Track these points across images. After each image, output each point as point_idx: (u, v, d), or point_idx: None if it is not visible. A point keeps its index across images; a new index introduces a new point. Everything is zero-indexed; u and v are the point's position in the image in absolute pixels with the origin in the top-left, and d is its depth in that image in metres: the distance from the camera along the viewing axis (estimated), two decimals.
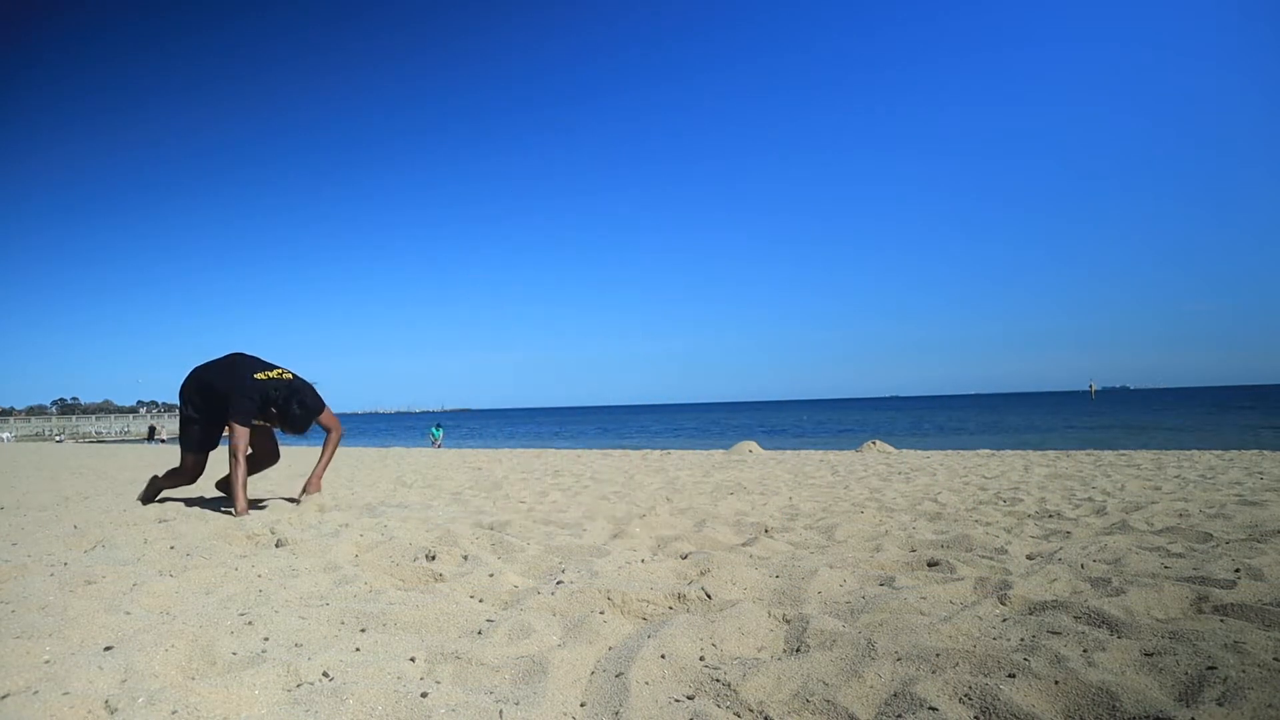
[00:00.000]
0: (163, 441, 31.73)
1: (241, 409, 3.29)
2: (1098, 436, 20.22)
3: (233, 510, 3.28)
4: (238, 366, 3.42)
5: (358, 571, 2.21)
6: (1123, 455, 8.16)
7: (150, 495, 3.78)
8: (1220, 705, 1.21)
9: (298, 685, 1.32)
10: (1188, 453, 8.58)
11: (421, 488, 5.10)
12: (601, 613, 1.78)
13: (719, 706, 1.29)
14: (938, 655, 1.45)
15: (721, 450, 11.32)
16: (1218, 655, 1.39)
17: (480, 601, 1.92)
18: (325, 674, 1.36)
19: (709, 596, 1.90)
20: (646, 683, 1.36)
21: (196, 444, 3.51)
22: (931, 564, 2.32)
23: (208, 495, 4.14)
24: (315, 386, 3.52)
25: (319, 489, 3.72)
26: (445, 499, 4.30)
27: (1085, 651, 1.47)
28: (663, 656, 1.47)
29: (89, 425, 55.21)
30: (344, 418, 3.72)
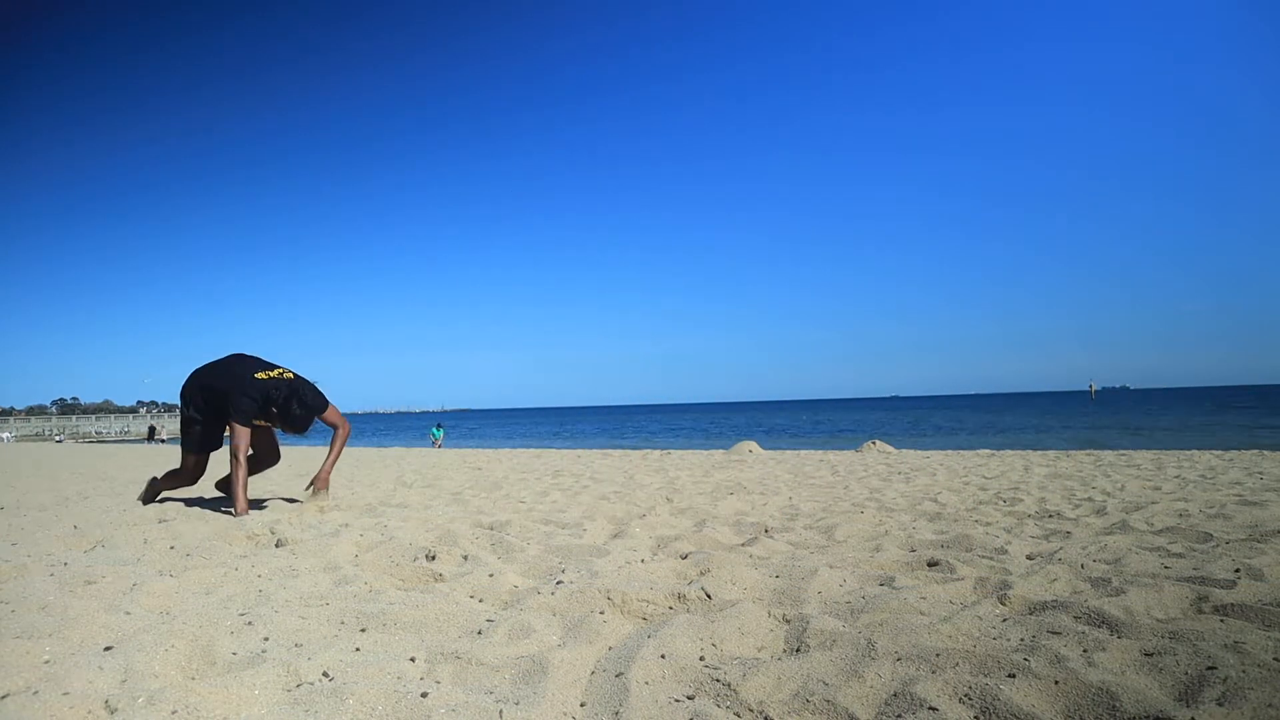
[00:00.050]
0: (163, 441, 31.73)
1: (242, 409, 3.29)
2: (1098, 436, 20.22)
3: (233, 510, 3.28)
4: (238, 366, 3.42)
5: (358, 571, 2.21)
6: (1123, 455, 8.16)
7: (150, 496, 3.78)
8: (1220, 705, 1.21)
9: (298, 685, 1.32)
10: (1188, 453, 8.58)
11: (421, 488, 5.10)
12: (601, 613, 1.78)
13: (719, 706, 1.29)
14: (938, 655, 1.46)
15: (721, 450, 11.32)
16: (1218, 655, 1.39)
17: (480, 601, 1.92)
18: (325, 674, 1.36)
19: (709, 596, 1.90)
20: (646, 683, 1.36)
21: (197, 444, 3.51)
22: (931, 564, 2.32)
23: (208, 495, 4.15)
24: (317, 386, 3.53)
25: (326, 486, 3.71)
26: (445, 499, 4.30)
27: (1085, 651, 1.47)
28: (663, 656, 1.47)
29: (89, 425, 55.21)
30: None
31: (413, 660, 1.46)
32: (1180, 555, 2.40)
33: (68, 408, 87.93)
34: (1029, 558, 2.45)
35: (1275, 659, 1.39)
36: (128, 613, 1.71)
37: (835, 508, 3.85)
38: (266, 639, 1.55)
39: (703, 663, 1.47)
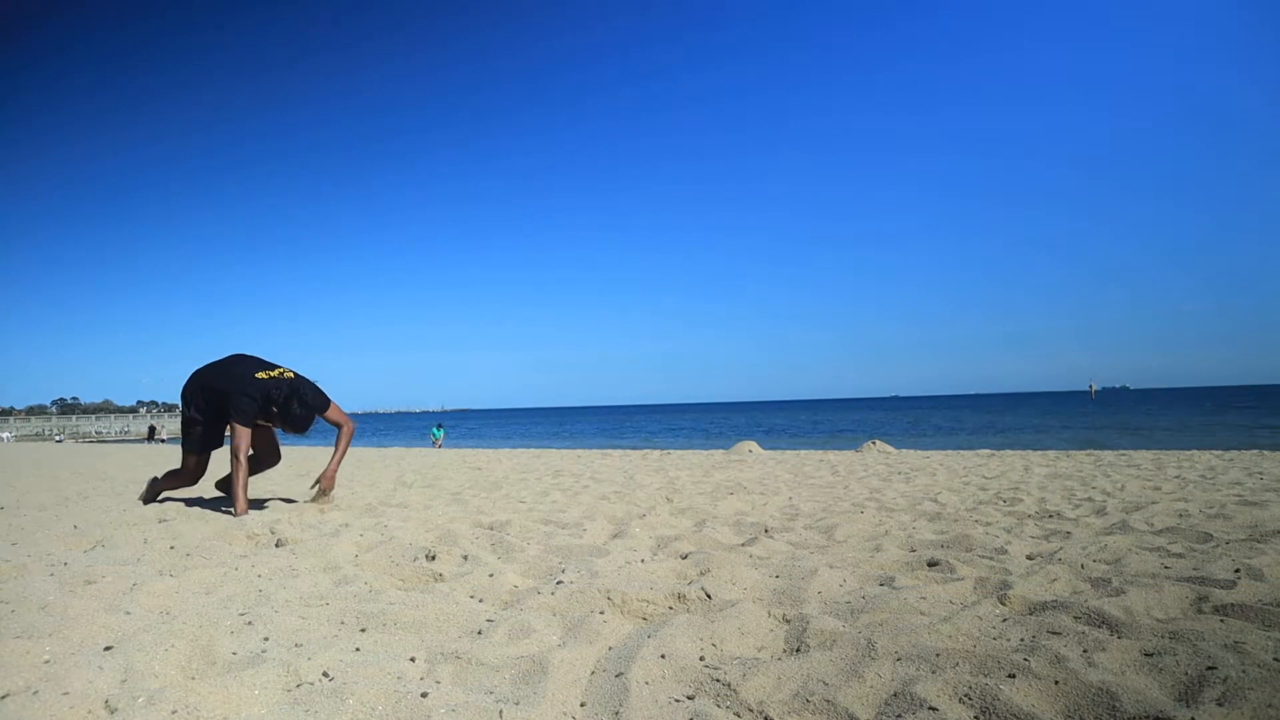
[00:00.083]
0: (163, 441, 31.73)
1: (243, 409, 3.29)
2: (1098, 436, 20.22)
3: (233, 510, 3.28)
4: (239, 366, 3.42)
5: (358, 571, 2.21)
6: (1123, 455, 8.16)
7: (151, 495, 3.78)
8: (1220, 705, 1.21)
9: (298, 685, 1.32)
10: (1188, 453, 8.58)
11: (421, 488, 5.10)
12: (601, 613, 1.78)
13: (719, 706, 1.29)
14: (938, 655, 1.46)
15: (721, 450, 11.32)
16: (1218, 655, 1.39)
17: (480, 601, 1.92)
18: (325, 674, 1.36)
19: (709, 596, 1.90)
20: (646, 683, 1.36)
21: (198, 445, 3.51)
22: (931, 564, 2.32)
23: (208, 495, 4.14)
24: (318, 385, 3.52)
25: (333, 485, 3.69)
26: (445, 499, 4.30)
27: (1085, 651, 1.47)
28: (663, 656, 1.47)
29: (89, 425, 55.22)
30: None
31: (413, 660, 1.46)
32: (1180, 555, 2.40)
33: (68, 408, 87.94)
34: (1029, 558, 2.45)
35: (1275, 659, 1.39)
36: (128, 613, 1.71)
37: (835, 508, 3.85)
38: (266, 639, 1.55)
39: (703, 663, 1.47)
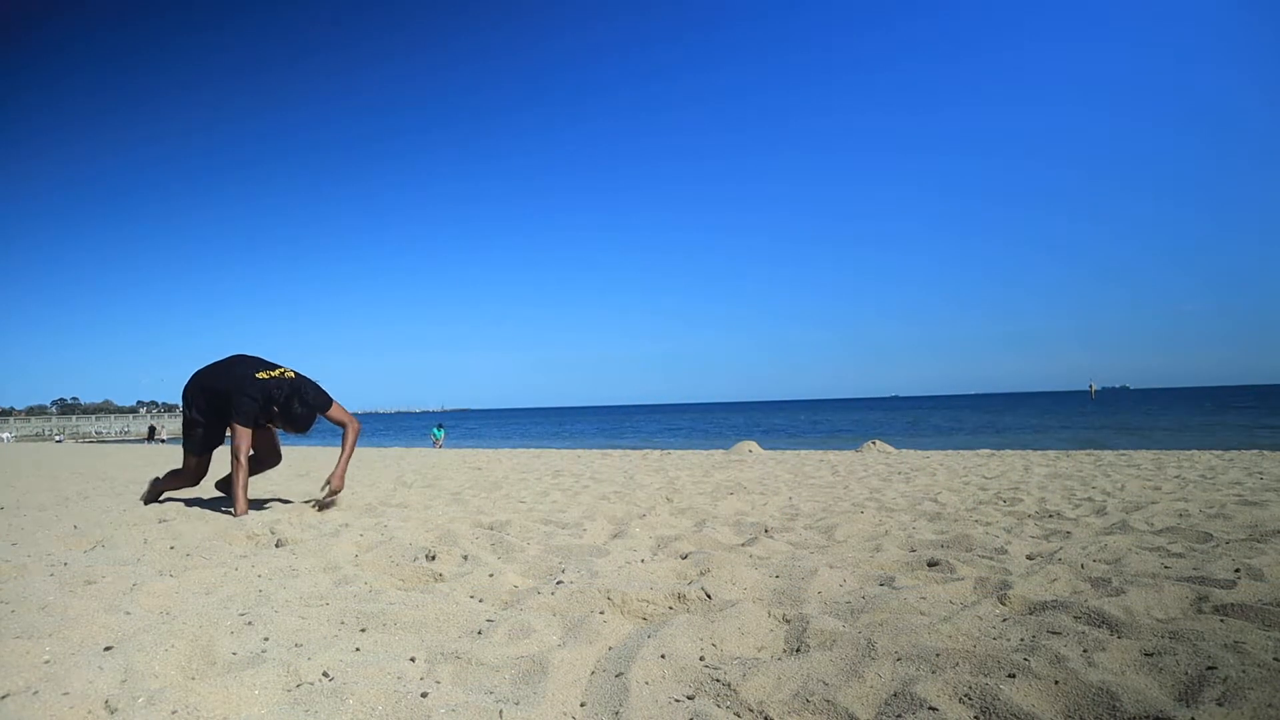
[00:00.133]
0: (163, 441, 31.73)
1: (243, 409, 3.29)
2: (1097, 436, 20.22)
3: (233, 510, 3.28)
4: (240, 367, 3.42)
5: (358, 571, 2.21)
6: (1123, 455, 8.16)
7: (152, 496, 3.78)
8: (1220, 705, 1.21)
9: (298, 685, 1.32)
10: (1188, 453, 8.58)
11: (421, 488, 5.10)
12: (601, 613, 1.78)
13: (719, 706, 1.29)
14: (938, 655, 1.46)
15: (721, 450, 11.32)
16: (1218, 655, 1.39)
17: (480, 601, 1.92)
18: (325, 674, 1.36)
19: (709, 596, 1.90)
20: (646, 683, 1.36)
21: (199, 446, 3.51)
22: (931, 564, 2.32)
23: (208, 495, 4.14)
24: (320, 385, 3.52)
25: (342, 485, 3.65)
26: (445, 499, 4.30)
27: (1085, 651, 1.47)
28: (663, 656, 1.47)
29: (89, 425, 55.22)
30: None
31: (413, 660, 1.46)
32: (1180, 555, 2.40)
33: (68, 408, 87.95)
34: (1029, 558, 2.45)
35: (1275, 659, 1.39)
36: (128, 613, 1.71)
37: (835, 508, 3.85)
38: (266, 639, 1.55)
39: (703, 663, 1.47)
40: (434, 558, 2.39)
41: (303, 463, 8.22)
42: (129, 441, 37.52)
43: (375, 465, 7.95)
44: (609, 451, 11.18)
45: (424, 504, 3.99)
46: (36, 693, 1.22)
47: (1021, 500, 4.14)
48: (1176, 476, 5.54)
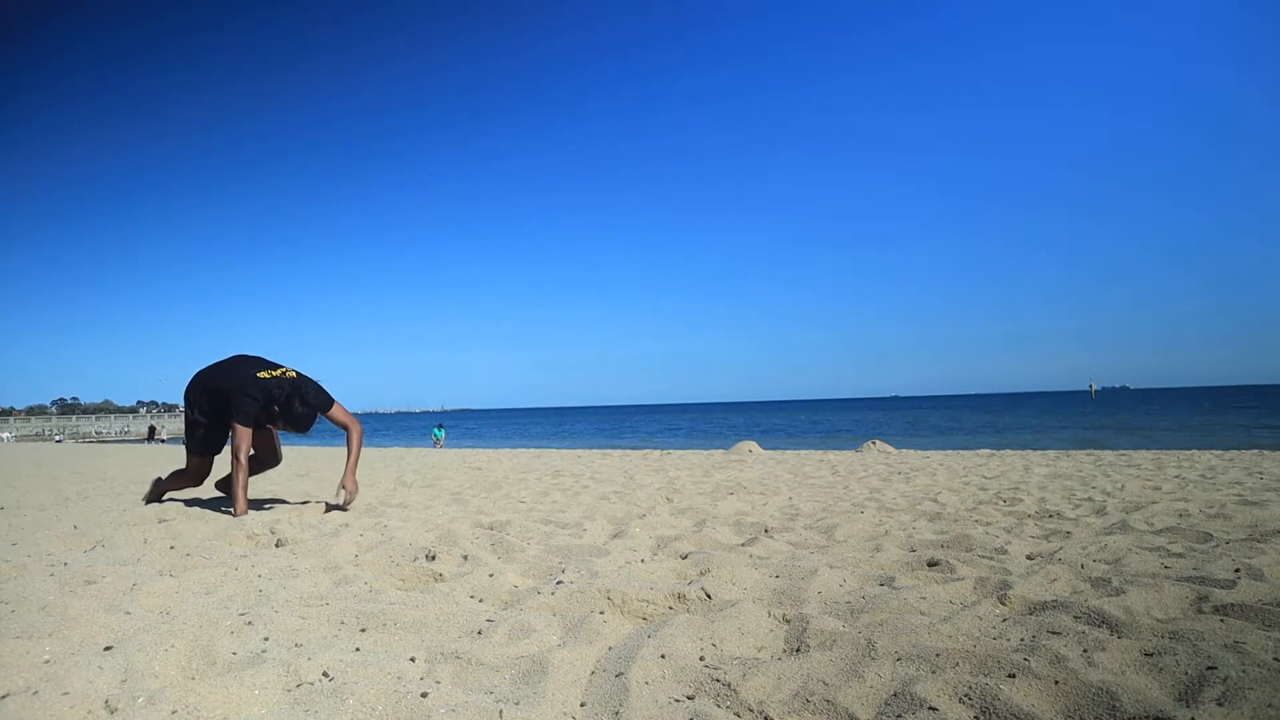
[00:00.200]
0: (163, 441, 31.73)
1: (244, 408, 3.29)
2: (1097, 436, 20.22)
3: (233, 510, 3.28)
4: (241, 367, 3.42)
5: (358, 571, 2.21)
6: (1123, 455, 8.16)
7: (155, 495, 3.78)
8: (1220, 705, 1.21)
9: (298, 685, 1.32)
10: (1188, 453, 8.58)
11: (421, 488, 5.10)
12: (601, 613, 1.78)
13: (719, 706, 1.29)
14: (938, 655, 1.45)
15: (721, 450, 11.32)
16: (1218, 655, 1.39)
17: (480, 601, 1.92)
18: (325, 674, 1.36)
19: (709, 596, 1.90)
20: (646, 683, 1.36)
21: (202, 447, 3.51)
22: (931, 564, 2.32)
23: (208, 495, 4.14)
24: (321, 385, 3.52)
25: (356, 487, 3.60)
26: (445, 499, 4.30)
27: (1085, 651, 1.47)
28: (663, 656, 1.47)
29: (89, 425, 55.22)
30: None
31: (413, 660, 1.46)
32: (1180, 555, 2.40)
33: (68, 408, 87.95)
34: (1029, 558, 2.45)
35: (1275, 659, 1.39)
36: (128, 613, 1.71)
37: (835, 508, 3.85)
38: (266, 639, 1.55)
39: (703, 663, 1.47)
40: (434, 558, 2.39)
41: (303, 463, 8.22)
42: (129, 441, 37.53)
43: (375, 465, 7.95)
44: (609, 451, 11.18)
45: (424, 504, 3.99)
46: (36, 693, 1.22)
47: (1021, 500, 4.14)
48: (1176, 476, 5.54)
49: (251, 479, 4.27)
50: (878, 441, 11.82)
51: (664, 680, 1.39)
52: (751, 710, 1.28)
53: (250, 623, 1.63)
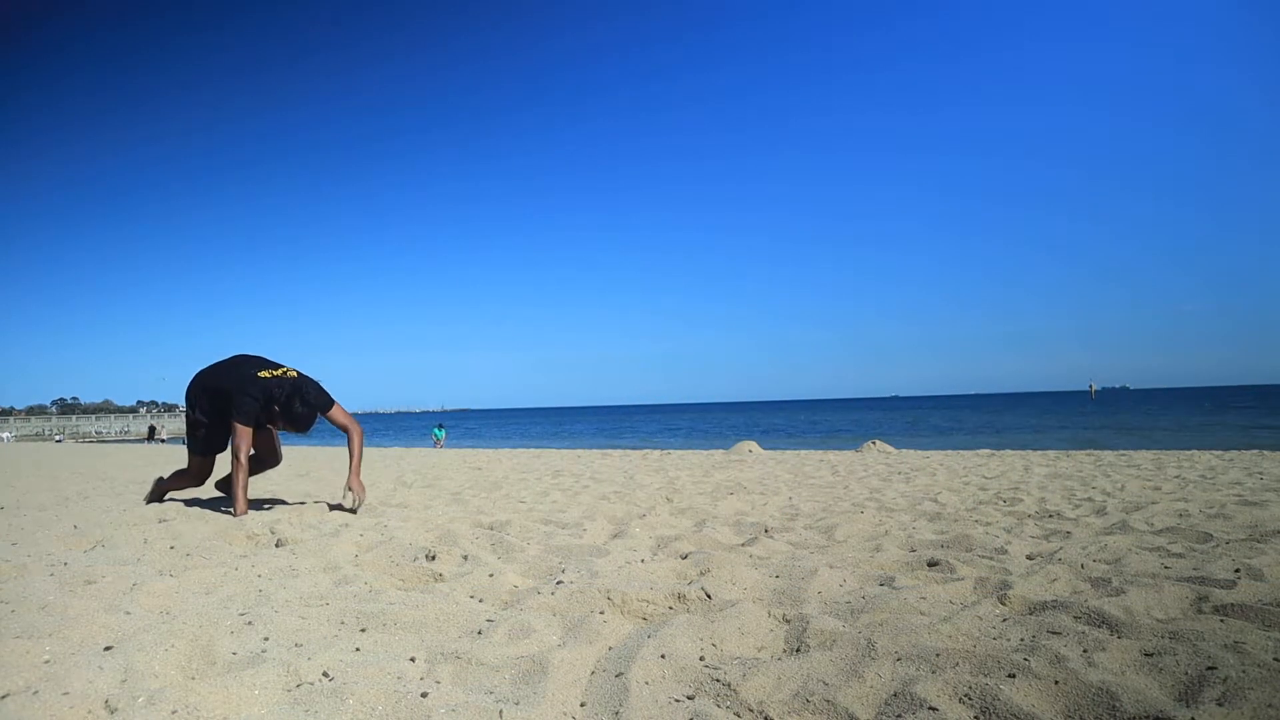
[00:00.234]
0: (163, 441, 31.72)
1: (244, 408, 3.29)
2: (1097, 436, 20.22)
3: (233, 510, 3.28)
4: (242, 366, 3.42)
5: (358, 571, 2.21)
6: (1123, 455, 8.16)
7: (156, 495, 3.78)
8: (1220, 705, 1.21)
9: (298, 685, 1.32)
10: (1188, 453, 8.58)
11: (421, 488, 5.10)
12: (601, 613, 1.78)
13: (719, 706, 1.29)
14: (938, 655, 1.46)
15: (721, 450, 11.32)
16: (1218, 655, 1.39)
17: (480, 601, 1.92)
18: (325, 674, 1.36)
19: (709, 596, 1.90)
20: (646, 683, 1.36)
21: (203, 447, 3.50)
22: (931, 564, 2.32)
23: (208, 495, 4.14)
24: (321, 385, 3.51)
25: (363, 489, 3.58)
26: (445, 499, 4.30)
27: (1085, 651, 1.47)
28: (663, 656, 1.47)
29: (89, 425, 55.20)
30: None
31: (413, 660, 1.46)
32: (1180, 555, 2.40)
33: (68, 408, 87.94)
34: (1029, 558, 2.45)
35: (1275, 659, 1.39)
36: (128, 613, 1.71)
37: (835, 508, 3.85)
38: (266, 639, 1.55)
39: (703, 663, 1.47)
40: (434, 558, 2.39)
41: (303, 463, 8.22)
42: (129, 441, 37.49)
43: (375, 465, 7.95)
44: (609, 451, 11.18)
45: (424, 504, 3.99)
46: (36, 693, 1.22)
47: (1021, 500, 4.14)
48: (1176, 476, 5.54)
49: (251, 479, 4.27)
50: (878, 441, 11.82)
51: (664, 680, 1.39)
52: (751, 710, 1.28)
53: (250, 623, 1.63)
